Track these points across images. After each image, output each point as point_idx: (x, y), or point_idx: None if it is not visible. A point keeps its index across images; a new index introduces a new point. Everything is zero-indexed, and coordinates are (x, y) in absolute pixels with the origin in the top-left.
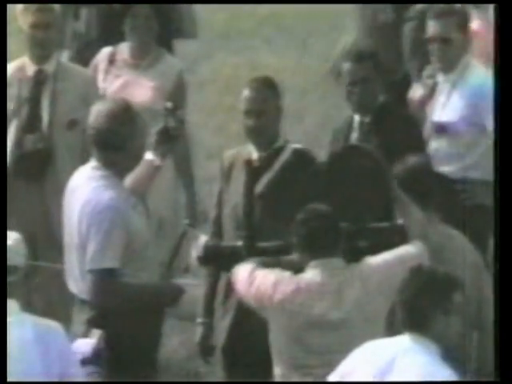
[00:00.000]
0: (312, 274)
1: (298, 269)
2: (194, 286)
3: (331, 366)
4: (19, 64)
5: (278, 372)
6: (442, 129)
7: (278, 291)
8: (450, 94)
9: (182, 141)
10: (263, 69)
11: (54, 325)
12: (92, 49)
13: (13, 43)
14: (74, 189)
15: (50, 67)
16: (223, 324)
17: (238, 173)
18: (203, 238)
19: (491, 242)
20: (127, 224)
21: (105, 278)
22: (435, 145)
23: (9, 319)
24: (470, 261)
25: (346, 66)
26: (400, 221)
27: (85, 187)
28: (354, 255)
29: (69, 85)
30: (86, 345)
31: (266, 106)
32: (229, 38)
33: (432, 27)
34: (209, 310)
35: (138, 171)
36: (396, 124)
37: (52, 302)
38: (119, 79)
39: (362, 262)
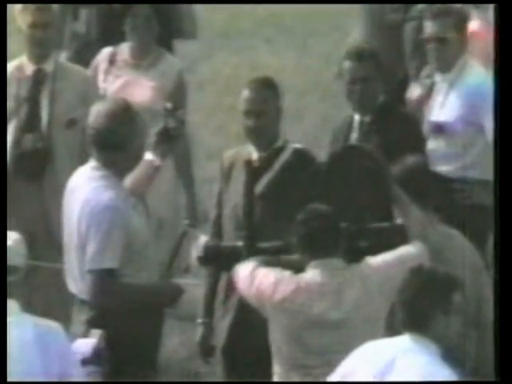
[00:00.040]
0: (312, 274)
1: (298, 269)
2: (194, 285)
3: (331, 365)
4: (18, 63)
5: (277, 370)
6: (439, 128)
7: (278, 290)
8: (448, 93)
9: (182, 141)
10: (263, 69)
11: (53, 325)
12: (92, 49)
13: (13, 43)
14: (74, 189)
15: (48, 67)
16: (223, 324)
17: (238, 173)
18: (203, 238)
19: (491, 242)
20: (127, 224)
21: (104, 279)
22: (433, 144)
23: (9, 319)
24: (470, 261)
25: (347, 64)
26: (400, 221)
27: (84, 187)
28: (354, 255)
29: (67, 84)
30: (85, 345)
31: (265, 107)
32: (229, 37)
33: (429, 27)
34: (209, 310)
35: (138, 171)
36: (396, 124)
37: (52, 302)
38: (119, 79)
39: (362, 262)
